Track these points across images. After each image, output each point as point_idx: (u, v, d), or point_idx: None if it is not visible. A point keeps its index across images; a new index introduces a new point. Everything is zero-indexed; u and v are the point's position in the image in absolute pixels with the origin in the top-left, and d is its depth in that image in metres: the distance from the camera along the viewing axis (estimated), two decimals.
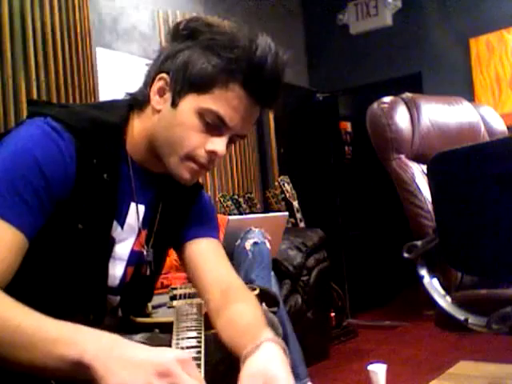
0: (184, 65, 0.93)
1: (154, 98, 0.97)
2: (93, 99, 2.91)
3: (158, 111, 0.97)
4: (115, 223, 1.00)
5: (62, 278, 0.95)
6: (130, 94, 1.03)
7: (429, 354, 3.02)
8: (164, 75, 0.96)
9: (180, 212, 1.12)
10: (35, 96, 2.63)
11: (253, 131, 4.19)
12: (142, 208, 1.05)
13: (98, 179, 0.94)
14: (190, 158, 0.95)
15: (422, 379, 2.06)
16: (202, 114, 0.92)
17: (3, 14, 2.56)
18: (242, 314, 0.98)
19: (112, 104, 1.05)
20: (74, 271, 0.96)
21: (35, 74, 2.66)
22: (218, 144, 0.94)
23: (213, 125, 0.93)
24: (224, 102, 0.92)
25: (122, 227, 1.02)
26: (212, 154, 0.95)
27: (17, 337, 0.73)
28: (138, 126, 1.00)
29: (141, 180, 1.02)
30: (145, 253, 1.07)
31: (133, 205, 1.03)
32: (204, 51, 0.92)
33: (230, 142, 0.97)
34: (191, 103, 0.93)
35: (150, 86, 0.98)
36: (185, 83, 0.93)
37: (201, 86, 0.92)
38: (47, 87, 2.71)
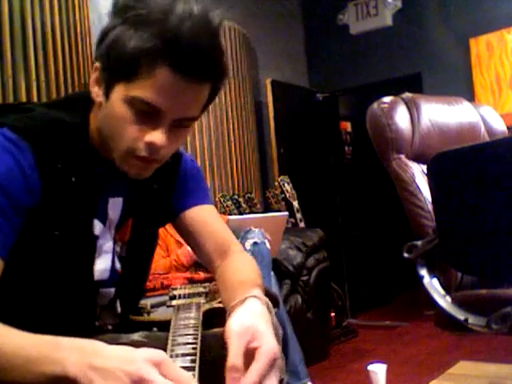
0: (108, 49, 0.85)
1: (93, 90, 0.91)
2: None
3: (100, 104, 0.90)
4: (96, 221, 0.99)
5: (48, 284, 0.95)
6: None
7: (429, 354, 3.02)
8: (97, 64, 0.89)
9: (164, 188, 1.09)
10: (35, 96, 2.63)
11: (253, 131, 4.20)
12: (119, 200, 1.03)
13: (67, 183, 0.92)
14: (130, 153, 0.89)
15: (422, 379, 2.06)
16: (131, 103, 0.84)
17: (3, 14, 2.55)
18: (237, 274, 1.00)
19: (73, 99, 1.00)
20: (59, 275, 0.95)
21: (35, 73, 2.65)
22: (155, 134, 0.86)
23: (146, 113, 0.85)
24: (151, 86, 0.82)
25: (104, 223, 1.01)
26: (152, 146, 0.87)
27: None
28: (95, 120, 0.96)
29: (113, 173, 0.98)
30: (117, 249, 1.06)
31: (110, 199, 1.02)
32: (127, 30, 0.83)
33: (178, 126, 0.89)
34: (120, 93, 0.85)
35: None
36: (111, 71, 0.86)
37: (125, 72, 0.83)
38: (47, 87, 2.71)
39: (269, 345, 0.80)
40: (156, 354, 0.71)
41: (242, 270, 1.03)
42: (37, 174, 0.88)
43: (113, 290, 1.07)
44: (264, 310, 0.88)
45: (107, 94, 0.88)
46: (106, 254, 1.03)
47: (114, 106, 0.87)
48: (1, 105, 1.17)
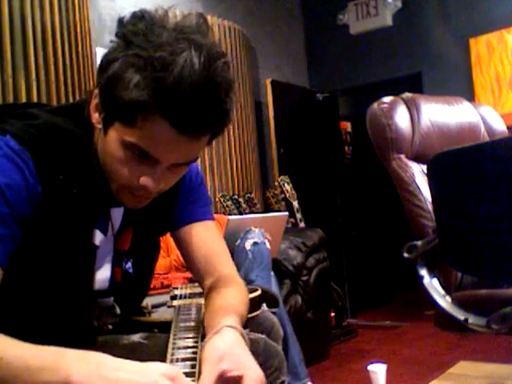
0: (107, 85, 0.82)
1: (94, 116, 0.89)
2: None
3: (100, 129, 0.89)
4: (97, 232, 0.99)
5: (47, 293, 0.95)
6: None
7: (429, 354, 3.02)
8: (96, 91, 0.87)
9: (166, 199, 1.07)
10: (35, 96, 2.63)
11: (253, 131, 4.20)
12: (120, 210, 1.03)
13: (68, 195, 0.91)
14: (125, 189, 0.90)
15: (422, 379, 2.07)
16: (127, 146, 0.83)
17: (3, 14, 2.56)
18: (219, 300, 0.99)
19: (80, 107, 0.96)
20: (59, 284, 0.95)
21: (35, 74, 2.65)
22: (148, 180, 0.86)
23: (143, 156, 0.84)
24: (148, 136, 0.81)
25: (106, 233, 1.01)
26: (145, 188, 0.88)
27: (1, 371, 0.71)
28: (98, 134, 0.93)
29: None
30: (124, 265, 1.06)
31: (112, 209, 1.01)
32: (128, 68, 0.79)
33: (177, 167, 0.89)
34: (117, 133, 0.84)
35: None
36: (110, 108, 0.84)
37: (123, 114, 0.81)
38: (47, 87, 2.71)
39: (255, 372, 0.80)
40: (171, 369, 0.72)
41: (225, 297, 1.00)
42: (39, 185, 0.87)
43: (112, 299, 1.07)
44: (239, 338, 0.86)
45: (105, 128, 0.86)
46: (106, 264, 1.03)
47: (110, 143, 0.86)
48: (4, 106, 1.14)
